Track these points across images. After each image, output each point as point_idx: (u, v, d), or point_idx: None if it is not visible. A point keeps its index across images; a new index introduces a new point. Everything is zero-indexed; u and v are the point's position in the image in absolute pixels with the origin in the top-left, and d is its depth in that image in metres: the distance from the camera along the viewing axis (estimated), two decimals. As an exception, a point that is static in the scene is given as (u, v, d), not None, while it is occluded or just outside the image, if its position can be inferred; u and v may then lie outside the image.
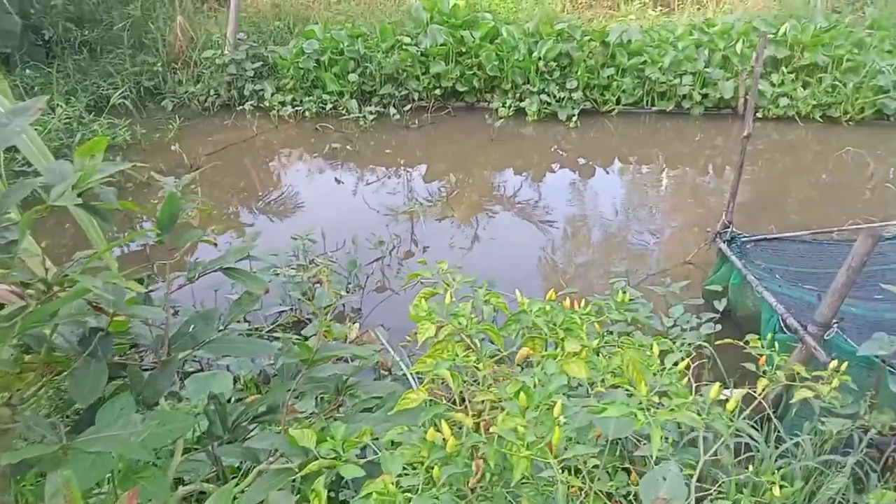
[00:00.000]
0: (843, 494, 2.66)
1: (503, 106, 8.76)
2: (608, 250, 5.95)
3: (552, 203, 6.83)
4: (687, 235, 6.06)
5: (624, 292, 2.13)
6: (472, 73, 8.80)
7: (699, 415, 1.32)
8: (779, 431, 3.06)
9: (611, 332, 3.79)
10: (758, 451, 2.84)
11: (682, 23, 10.17)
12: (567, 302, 2.20)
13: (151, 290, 1.95)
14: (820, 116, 8.76)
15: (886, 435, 2.99)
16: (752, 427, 3.08)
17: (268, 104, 8.68)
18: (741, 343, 2.23)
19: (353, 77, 8.66)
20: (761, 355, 1.91)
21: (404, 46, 8.69)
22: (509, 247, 5.92)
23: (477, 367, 1.47)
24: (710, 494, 2.06)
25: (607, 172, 7.82)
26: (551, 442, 1.28)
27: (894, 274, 4.55)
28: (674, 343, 3.58)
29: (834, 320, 3.19)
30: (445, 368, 1.40)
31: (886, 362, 3.11)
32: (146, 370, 1.97)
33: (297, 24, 10.12)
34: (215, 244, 2.19)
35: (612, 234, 6.27)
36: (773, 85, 8.80)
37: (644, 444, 2.39)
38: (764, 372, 1.87)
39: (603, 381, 1.43)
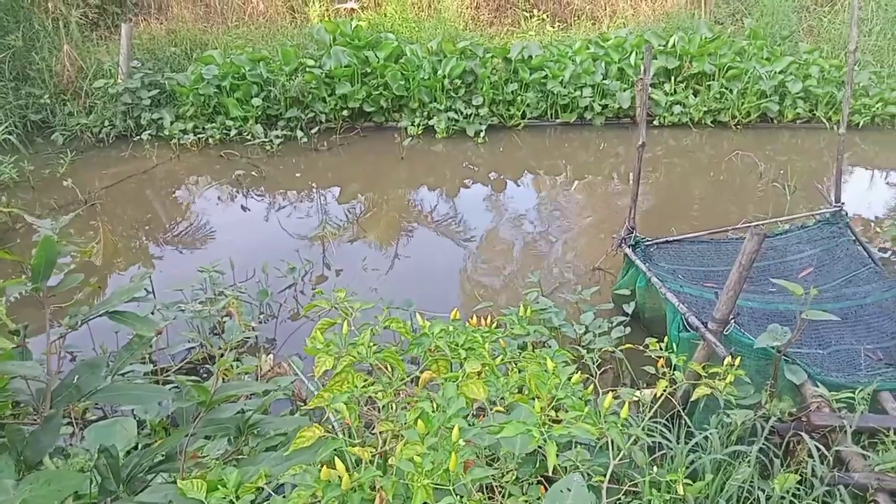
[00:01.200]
0: (750, 482, 2.77)
1: (412, 124, 8.80)
2: (523, 261, 6.05)
3: (467, 218, 6.90)
4: (597, 242, 6.24)
5: (526, 307, 2.15)
6: (378, 93, 8.79)
7: (593, 425, 1.34)
8: (689, 427, 3.18)
9: (524, 347, 3.86)
10: (670, 449, 2.92)
11: (579, 38, 10.55)
12: (474, 319, 2.20)
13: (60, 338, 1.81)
14: (711, 122, 9.29)
15: (786, 421, 3.15)
16: (665, 425, 3.19)
17: (167, 133, 8.34)
18: (640, 347, 2.30)
19: (256, 101, 8.47)
20: (660, 357, 1.97)
21: (308, 69, 8.59)
22: (427, 264, 5.92)
23: (377, 397, 1.43)
24: (623, 496, 2.10)
25: (518, 185, 7.96)
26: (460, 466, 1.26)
27: (788, 266, 4.84)
28: (586, 349, 3.65)
29: (731, 316, 3.34)
30: (342, 402, 1.35)
31: (781, 352, 3.29)
32: (28, 426, 1.83)
33: (195, 50, 9.81)
34: (99, 287, 2.06)
35: (526, 245, 6.37)
36: (666, 94, 9.26)
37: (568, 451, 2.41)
38: (663, 374, 1.94)
39: (502, 398, 1.42)
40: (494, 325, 2.18)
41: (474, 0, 12.54)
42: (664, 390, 1.92)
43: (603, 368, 4.27)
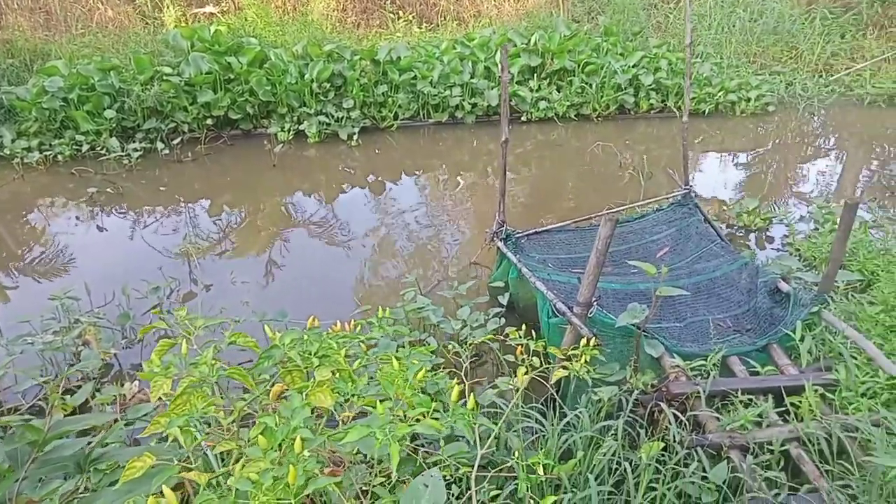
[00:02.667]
0: (618, 454, 2.92)
1: (282, 130, 8.57)
2: (404, 261, 6.05)
3: (347, 223, 6.81)
4: (475, 238, 6.36)
5: (385, 309, 2.14)
6: (244, 99, 8.49)
7: (437, 421, 1.35)
8: (563, 408, 3.30)
9: (403, 346, 3.86)
10: (543, 431, 3.02)
11: (446, 38, 10.74)
12: (338, 325, 2.16)
13: None
14: (575, 115, 9.75)
15: (648, 393, 3.35)
16: (541, 409, 3.29)
17: (9, 152, 7.61)
18: (501, 338, 2.36)
19: (109, 113, 7.91)
20: (518, 345, 2.03)
21: (165, 77, 8.14)
22: (307, 273, 5.77)
23: (220, 417, 1.36)
24: (505, 481, 2.14)
25: (396, 186, 7.97)
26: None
27: (648, 248, 5.15)
28: (462, 343, 3.69)
29: (594, 299, 3.50)
30: (179, 425, 1.28)
31: (641, 328, 3.49)
32: None
33: (36, 61, 9.04)
34: None
35: (407, 244, 6.38)
36: (532, 91, 9.61)
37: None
38: (522, 360, 2.00)
39: (350, 404, 1.40)
40: (358, 328, 2.15)
41: (340, 2, 12.43)
42: (524, 376, 1.97)
43: (482, 360, 4.37)
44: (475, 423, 1.50)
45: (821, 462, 2.92)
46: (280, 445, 1.26)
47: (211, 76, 8.31)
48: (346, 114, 8.79)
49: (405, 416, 1.32)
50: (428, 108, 9.37)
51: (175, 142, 8.06)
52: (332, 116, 8.74)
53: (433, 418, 1.33)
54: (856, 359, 3.45)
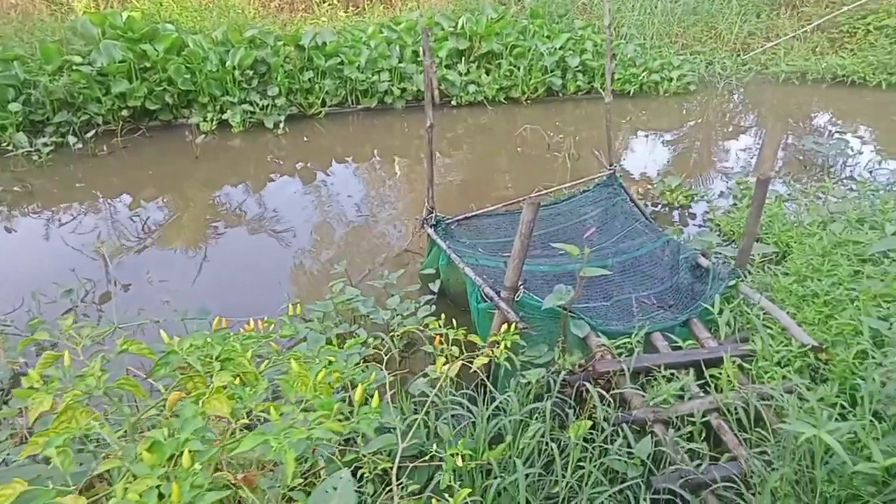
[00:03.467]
0: (547, 435, 2.95)
1: (204, 120, 8.26)
2: (336, 251, 5.93)
3: (275, 213, 6.62)
4: (406, 225, 6.30)
5: (295, 306, 2.07)
6: (162, 89, 8.13)
7: (340, 423, 1.30)
8: (493, 393, 3.30)
9: (330, 341, 3.78)
10: (472, 417, 3.01)
11: (373, 22, 10.55)
12: (250, 324, 2.07)
13: None
14: (504, 99, 9.77)
15: (576, 372, 3.39)
16: (471, 394, 3.29)
17: None
18: (418, 329, 2.32)
19: (14, 107, 7.43)
20: (438, 335, 2.01)
21: (75, 67, 7.70)
22: (234, 267, 5.58)
23: (107, 434, 1.27)
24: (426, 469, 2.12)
25: (327, 174, 7.81)
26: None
27: (576, 228, 5.21)
28: (391, 334, 3.64)
29: (520, 282, 3.51)
30: (58, 445, 1.19)
31: (567, 309, 3.53)
32: None
33: (-73, 52, 8.39)
34: None
35: (336, 234, 6.26)
36: (460, 74, 9.57)
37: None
38: (441, 350, 1.98)
39: (250, 411, 1.34)
40: (271, 326, 2.08)
41: (263, -14, 12.06)
42: (443, 366, 1.95)
43: (415, 349, 4.34)
44: (383, 421, 1.46)
45: (739, 431, 3.03)
46: (171, 459, 1.19)
47: (125, 65, 7.92)
48: (272, 101, 8.55)
49: (305, 419, 1.27)
50: (356, 93, 9.21)
51: (89, 135, 7.66)
52: (257, 104, 8.48)
53: (339, 419, 1.29)
54: (771, 329, 3.58)
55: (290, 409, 1.27)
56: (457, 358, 2.07)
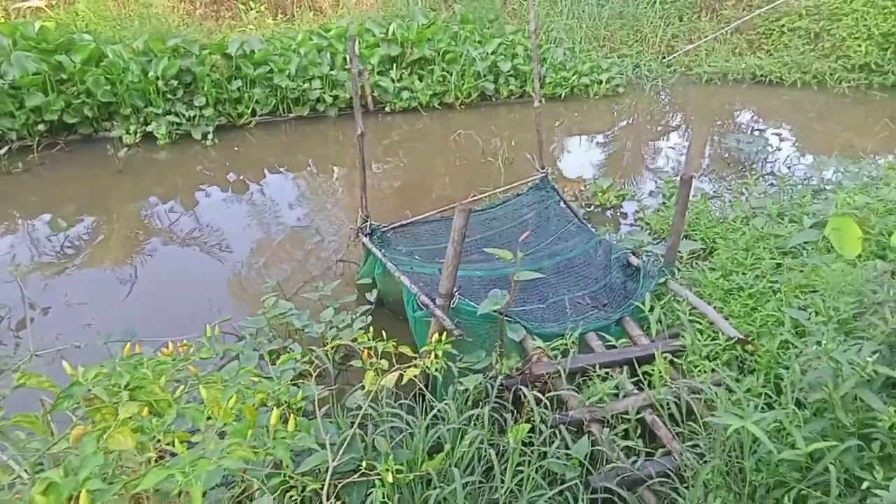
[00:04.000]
0: (485, 442, 2.93)
1: (127, 133, 7.94)
2: (270, 263, 5.78)
3: (206, 227, 6.41)
4: (341, 235, 6.20)
5: (214, 327, 1.99)
6: (80, 101, 7.77)
7: (255, 450, 1.25)
8: (432, 402, 3.27)
9: (263, 357, 3.68)
10: (409, 428, 2.97)
11: (302, 29, 10.40)
12: (168, 347, 1.98)
13: None
14: (438, 104, 9.79)
15: (513, 376, 3.40)
16: (410, 405, 3.25)
17: None
18: (349, 342, 2.28)
19: (-84, 123, 6.98)
20: (366, 349, 1.97)
21: (-17, 80, 7.29)
22: (163, 285, 5.36)
23: (-1, 476, 1.18)
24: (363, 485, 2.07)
25: (260, 185, 7.63)
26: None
27: (511, 232, 5.24)
28: (328, 345, 3.56)
29: (455, 288, 3.50)
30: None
31: (503, 314, 3.53)
32: None
33: None
34: None
35: (270, 246, 6.11)
36: (393, 81, 9.53)
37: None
38: (371, 364, 1.94)
39: (158, 440, 1.26)
40: (191, 349, 1.99)
41: (187, -6, 11.73)
42: (373, 381, 1.91)
43: (350, 361, 4.26)
44: (307, 443, 1.41)
45: (672, 425, 3.09)
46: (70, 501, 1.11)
47: (39, 77, 7.54)
48: (199, 112, 8.30)
49: (216, 448, 1.21)
50: (287, 102, 9.05)
51: (1, 152, 7.23)
52: (184, 115, 8.22)
53: (252, 446, 1.23)
54: (700, 323, 3.68)
55: (199, 439, 1.21)
56: (389, 370, 2.03)
